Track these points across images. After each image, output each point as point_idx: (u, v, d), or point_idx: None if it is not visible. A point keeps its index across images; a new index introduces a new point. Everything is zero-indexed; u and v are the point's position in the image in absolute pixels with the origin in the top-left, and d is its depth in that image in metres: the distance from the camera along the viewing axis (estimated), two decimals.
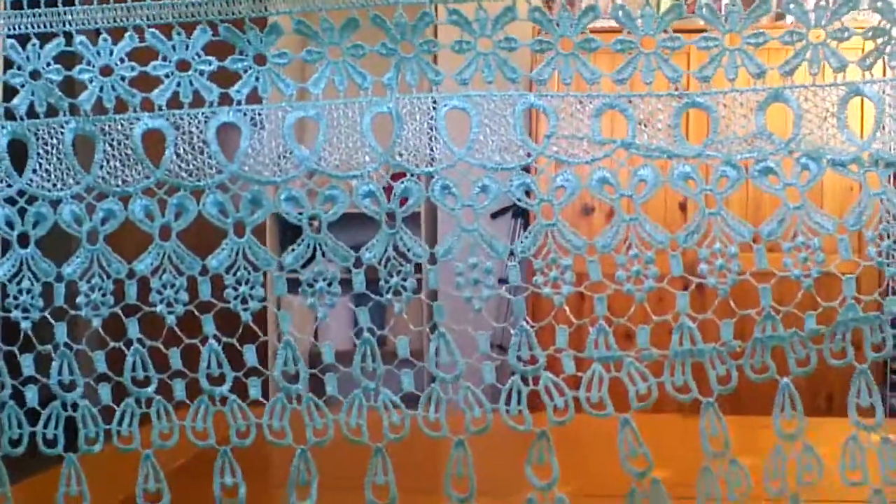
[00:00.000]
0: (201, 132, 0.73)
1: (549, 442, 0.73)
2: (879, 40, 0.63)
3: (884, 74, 0.67)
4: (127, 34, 0.73)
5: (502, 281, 0.74)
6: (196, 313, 0.75)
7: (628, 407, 0.73)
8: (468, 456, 0.72)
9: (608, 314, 0.72)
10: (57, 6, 0.73)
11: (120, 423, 0.77)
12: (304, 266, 0.74)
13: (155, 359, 0.77)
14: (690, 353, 0.71)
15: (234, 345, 0.75)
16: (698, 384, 0.72)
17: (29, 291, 0.77)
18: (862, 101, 0.68)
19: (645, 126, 0.69)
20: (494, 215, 2.83)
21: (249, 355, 0.75)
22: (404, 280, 0.73)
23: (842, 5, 0.63)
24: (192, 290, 0.75)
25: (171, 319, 0.75)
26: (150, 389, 0.76)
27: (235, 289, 0.74)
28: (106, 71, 0.74)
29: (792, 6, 0.64)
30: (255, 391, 0.75)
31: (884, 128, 0.64)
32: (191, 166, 0.73)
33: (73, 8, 0.73)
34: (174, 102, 0.73)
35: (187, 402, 0.76)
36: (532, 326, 0.73)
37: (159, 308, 0.75)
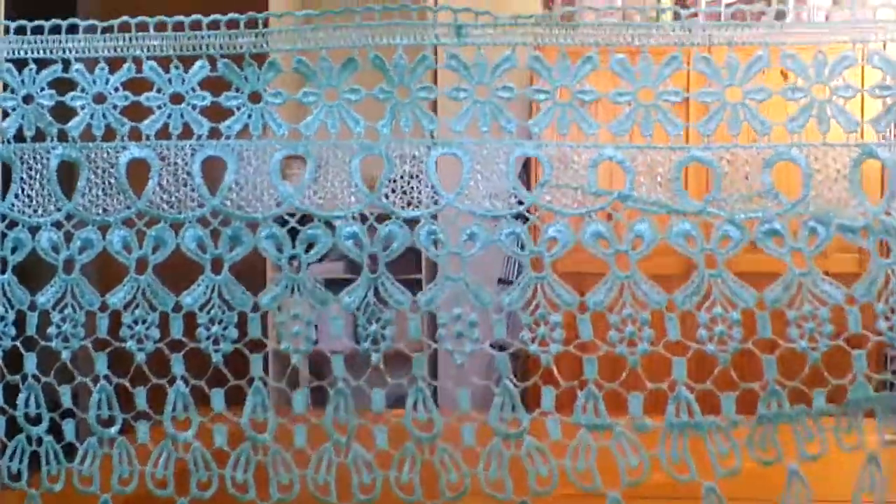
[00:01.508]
0: (186, 164, 0.71)
1: None
2: (888, 98, 0.60)
3: None
4: (125, 64, 0.72)
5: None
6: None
7: (618, 480, 0.67)
8: None
9: (598, 378, 0.67)
10: (59, 33, 0.73)
11: (82, 463, 0.73)
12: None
13: (123, 397, 0.74)
14: (688, 426, 0.66)
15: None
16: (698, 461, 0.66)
17: (2, 319, 0.74)
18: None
19: (643, 178, 0.66)
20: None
21: (217, 399, 0.71)
22: (384, 328, 0.69)
23: (839, 61, 0.60)
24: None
25: (140, 357, 0.72)
26: (114, 430, 0.73)
27: (208, 328, 0.71)
28: (99, 98, 0.73)
29: (789, 61, 0.62)
30: (220, 439, 0.71)
31: None
32: (173, 198, 0.71)
33: (75, 36, 0.73)
34: (162, 133, 0.72)
35: (149, 446, 0.72)
36: (517, 386, 0.68)
37: (129, 344, 0.72)
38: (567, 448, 0.68)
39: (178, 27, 0.71)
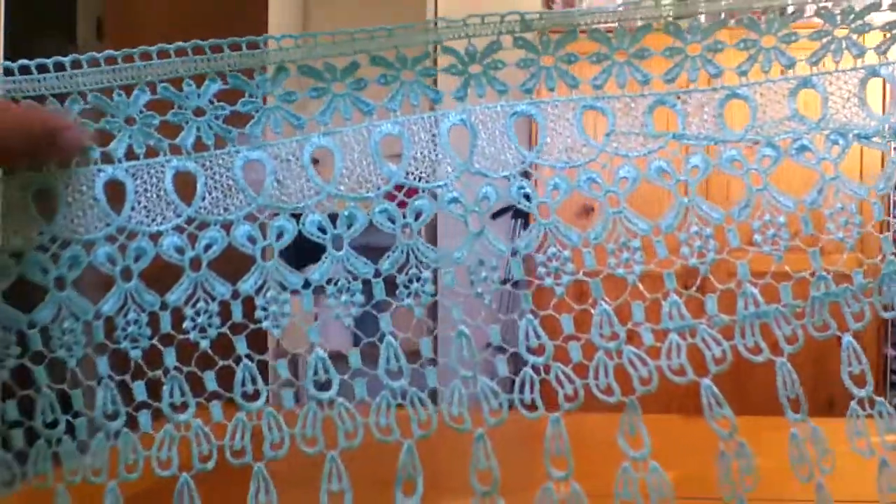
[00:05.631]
0: (298, 159, 0.80)
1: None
2: (894, 31, 0.75)
3: None
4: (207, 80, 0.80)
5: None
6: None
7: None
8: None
9: (678, 287, 0.80)
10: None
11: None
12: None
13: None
14: (757, 315, 0.79)
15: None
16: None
17: (136, 322, 0.81)
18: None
19: (692, 118, 0.79)
20: (495, 215, 2.87)
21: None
22: (493, 270, 0.80)
23: (866, 8, 0.74)
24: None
25: (277, 332, 0.81)
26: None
27: (336, 297, 0.80)
28: (198, 112, 0.80)
29: (823, 12, 0.75)
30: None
31: None
32: (290, 190, 0.80)
33: (167, 60, 0.80)
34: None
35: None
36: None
37: (265, 324, 0.81)
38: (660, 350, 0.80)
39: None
